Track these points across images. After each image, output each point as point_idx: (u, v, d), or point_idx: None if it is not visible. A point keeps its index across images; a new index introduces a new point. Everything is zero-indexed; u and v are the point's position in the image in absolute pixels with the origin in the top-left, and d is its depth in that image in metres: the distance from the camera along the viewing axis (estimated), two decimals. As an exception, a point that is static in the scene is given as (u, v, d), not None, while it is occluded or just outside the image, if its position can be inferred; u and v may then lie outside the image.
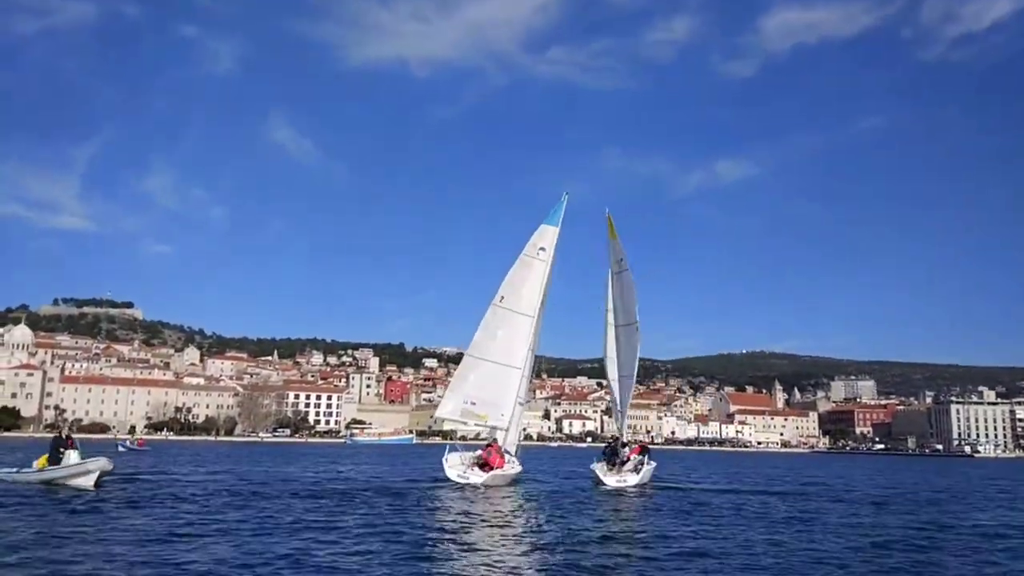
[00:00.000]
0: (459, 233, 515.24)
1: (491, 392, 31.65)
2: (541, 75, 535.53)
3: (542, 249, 33.11)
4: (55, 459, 25.02)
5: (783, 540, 15.70)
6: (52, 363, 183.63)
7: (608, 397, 34.59)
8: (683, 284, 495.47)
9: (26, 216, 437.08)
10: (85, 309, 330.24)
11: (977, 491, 37.14)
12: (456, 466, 28.69)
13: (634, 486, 28.24)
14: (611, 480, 28.44)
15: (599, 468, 29.98)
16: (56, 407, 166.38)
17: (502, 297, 32.25)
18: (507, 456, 31.06)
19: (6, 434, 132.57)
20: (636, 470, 29.36)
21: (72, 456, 25.13)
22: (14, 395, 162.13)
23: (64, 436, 25.82)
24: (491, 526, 17.00)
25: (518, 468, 31.36)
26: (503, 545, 14.35)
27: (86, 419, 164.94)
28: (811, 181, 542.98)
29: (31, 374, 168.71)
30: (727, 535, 16.35)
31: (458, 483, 27.48)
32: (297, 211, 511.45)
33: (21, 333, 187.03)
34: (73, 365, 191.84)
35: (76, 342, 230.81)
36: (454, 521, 17.63)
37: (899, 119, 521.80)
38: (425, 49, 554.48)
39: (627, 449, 31.54)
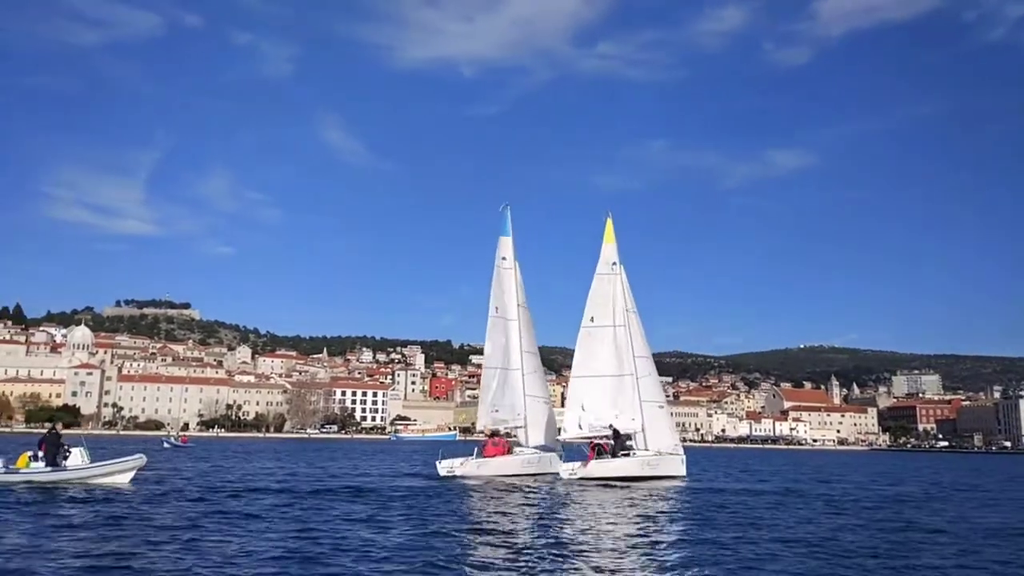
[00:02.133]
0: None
1: (506, 395, 34.91)
2: (588, 69, 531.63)
3: (504, 259, 36.20)
4: (53, 459, 23.07)
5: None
6: (111, 362, 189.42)
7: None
8: (737, 278, 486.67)
9: (93, 222, 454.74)
10: (145, 310, 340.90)
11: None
12: (446, 465, 31.65)
13: (579, 479, 29.85)
14: (564, 474, 30.53)
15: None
16: (114, 405, 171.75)
17: (496, 308, 35.66)
18: (518, 449, 34.08)
19: (66, 431, 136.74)
20: (584, 465, 31.00)
21: (82, 455, 24.01)
22: (74, 393, 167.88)
23: (58, 432, 24.10)
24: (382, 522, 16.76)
25: (525, 457, 33.49)
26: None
27: (142, 416, 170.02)
28: (870, 169, 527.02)
29: (90, 373, 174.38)
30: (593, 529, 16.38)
31: (445, 476, 30.63)
32: (349, 211, 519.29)
33: (82, 334, 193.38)
34: (131, 364, 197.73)
35: (134, 342, 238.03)
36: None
37: (963, 103, 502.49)
38: (473, 47, 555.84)
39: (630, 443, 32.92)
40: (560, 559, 12.30)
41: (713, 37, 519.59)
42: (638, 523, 17.47)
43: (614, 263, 35.02)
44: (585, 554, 12.87)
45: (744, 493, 27.75)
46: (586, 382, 33.83)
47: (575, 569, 11.57)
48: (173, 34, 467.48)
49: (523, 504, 21.45)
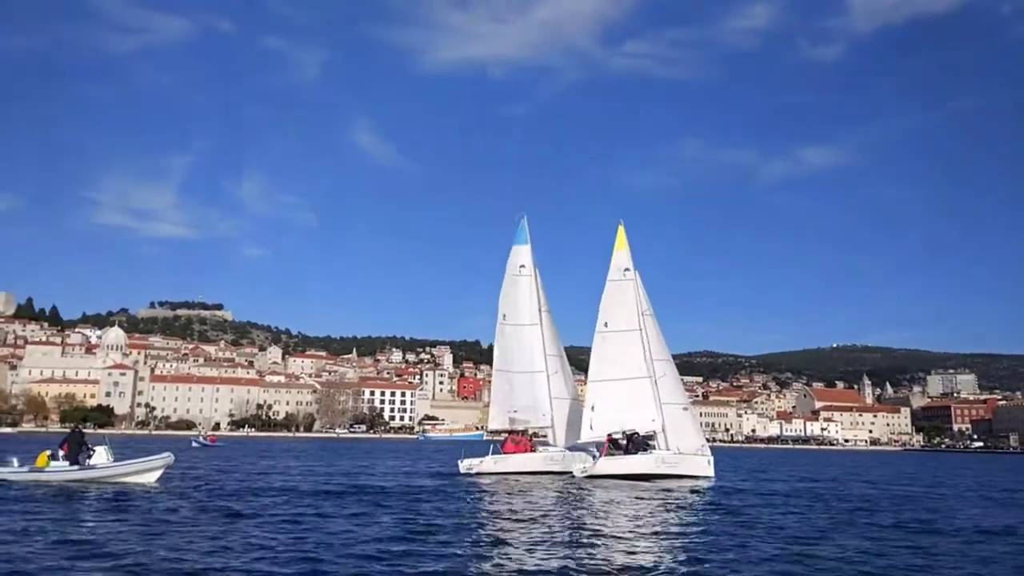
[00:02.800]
0: (538, 231, 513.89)
1: (526, 398, 35.54)
2: (618, 68, 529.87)
3: (522, 266, 37.11)
4: (76, 458, 23.47)
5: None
6: (144, 363, 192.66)
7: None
8: (769, 277, 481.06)
9: (129, 225, 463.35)
10: (179, 311, 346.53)
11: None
12: (467, 463, 32.97)
13: (587, 476, 30.79)
14: (577, 472, 31.45)
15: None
16: (147, 405, 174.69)
17: (504, 315, 36.55)
18: (542, 447, 34.91)
19: (100, 431, 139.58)
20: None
21: (106, 454, 24.29)
22: (108, 394, 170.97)
23: (81, 432, 24.83)
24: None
25: (547, 455, 34.13)
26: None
27: (174, 416, 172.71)
28: (903, 166, 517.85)
29: (123, 373, 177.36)
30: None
31: (464, 474, 32.12)
32: (380, 213, 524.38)
33: (115, 335, 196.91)
34: (163, 365, 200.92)
35: (167, 343, 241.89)
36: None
37: (999, 98, 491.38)
38: (502, 49, 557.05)
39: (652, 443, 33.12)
40: (536, 554, 12.41)
41: (743, 35, 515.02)
42: (628, 518, 17.54)
43: (627, 269, 35.39)
44: (564, 549, 13.03)
45: (756, 492, 27.49)
46: (602, 386, 34.03)
47: (547, 562, 11.71)
48: (206, 40, 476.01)
49: (523, 501, 21.56)
